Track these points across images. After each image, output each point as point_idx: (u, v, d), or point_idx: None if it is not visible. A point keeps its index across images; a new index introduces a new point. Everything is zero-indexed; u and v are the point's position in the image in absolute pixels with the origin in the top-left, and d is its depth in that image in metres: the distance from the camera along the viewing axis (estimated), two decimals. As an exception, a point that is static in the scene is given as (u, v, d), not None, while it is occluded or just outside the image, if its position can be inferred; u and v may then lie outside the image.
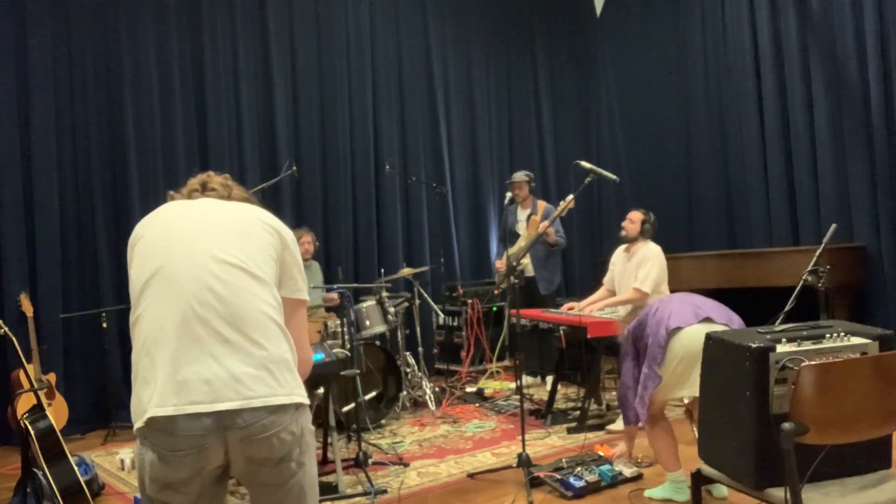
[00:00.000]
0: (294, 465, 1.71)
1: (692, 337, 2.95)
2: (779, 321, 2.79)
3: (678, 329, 2.99)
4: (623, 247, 4.83)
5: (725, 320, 3.02)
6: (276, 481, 1.70)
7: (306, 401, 1.74)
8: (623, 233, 4.80)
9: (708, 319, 3.00)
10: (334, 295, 5.06)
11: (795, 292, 3.22)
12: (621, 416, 4.48)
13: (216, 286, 1.68)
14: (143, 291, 1.69)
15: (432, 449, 4.27)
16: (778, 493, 2.03)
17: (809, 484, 2.02)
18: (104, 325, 5.12)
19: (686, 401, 3.76)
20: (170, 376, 1.60)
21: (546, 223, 4.97)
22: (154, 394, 1.59)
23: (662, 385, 3.03)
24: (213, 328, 1.64)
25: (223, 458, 1.66)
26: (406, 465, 3.95)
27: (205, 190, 1.90)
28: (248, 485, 1.73)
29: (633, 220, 4.78)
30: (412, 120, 7.06)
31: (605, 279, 4.99)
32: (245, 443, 1.63)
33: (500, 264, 6.01)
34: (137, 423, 1.62)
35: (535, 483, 3.46)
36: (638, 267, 4.65)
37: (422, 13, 7.16)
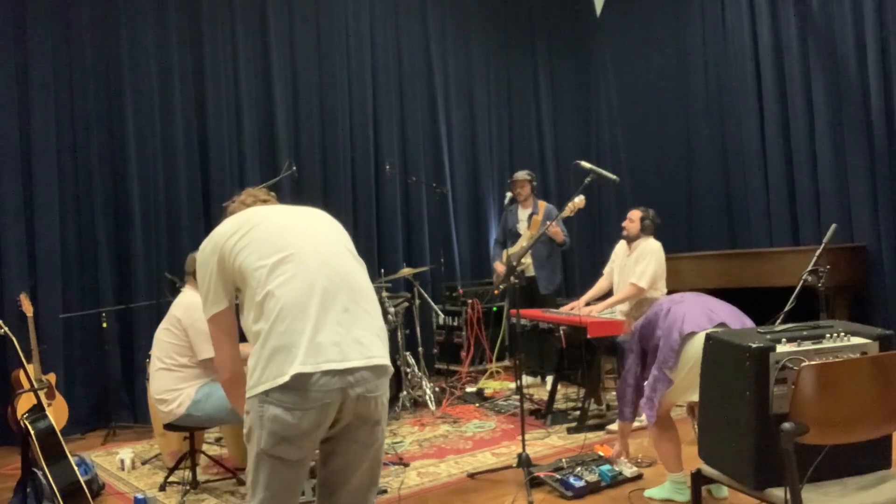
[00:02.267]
0: (381, 431, 1.99)
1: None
2: (779, 321, 2.79)
3: (692, 334, 2.93)
4: (626, 242, 4.89)
5: (739, 325, 2.95)
6: (368, 441, 1.96)
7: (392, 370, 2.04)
8: (625, 233, 4.86)
9: (722, 325, 2.93)
10: None
11: (795, 292, 3.22)
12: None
13: (337, 266, 2.00)
14: (272, 272, 1.94)
15: (432, 449, 4.27)
16: (778, 493, 2.03)
17: (809, 484, 2.02)
18: (104, 325, 5.12)
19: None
20: (309, 341, 1.86)
21: (554, 224, 4.97)
22: (297, 356, 1.85)
23: (673, 388, 3.01)
24: (339, 301, 1.94)
25: (334, 418, 1.89)
26: (406, 465, 3.95)
27: (264, 202, 2.30)
28: (342, 441, 1.96)
29: (633, 219, 4.83)
30: (412, 120, 7.06)
31: (606, 269, 5.05)
32: (360, 400, 1.89)
33: (500, 266, 6.01)
34: (268, 384, 1.84)
35: (535, 483, 3.46)
36: (636, 262, 4.68)
37: (422, 13, 7.17)
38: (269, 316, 1.90)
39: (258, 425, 1.85)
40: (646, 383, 3.12)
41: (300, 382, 1.82)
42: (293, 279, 1.93)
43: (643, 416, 4.46)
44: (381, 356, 1.95)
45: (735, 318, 2.98)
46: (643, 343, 3.17)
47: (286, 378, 1.82)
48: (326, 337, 1.88)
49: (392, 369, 2.00)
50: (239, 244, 2.01)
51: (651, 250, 4.69)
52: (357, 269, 2.05)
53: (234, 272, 2.01)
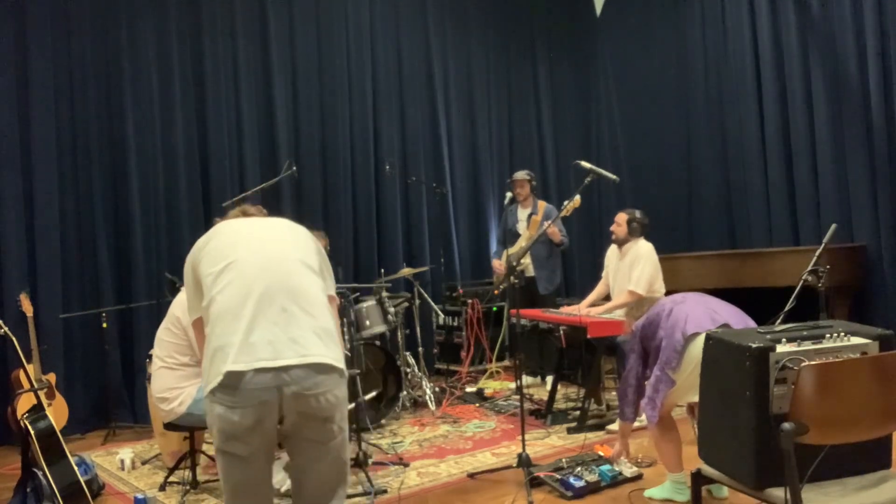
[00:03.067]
0: (336, 428, 2.05)
1: None
2: (779, 321, 2.79)
3: (696, 335, 2.92)
4: (617, 246, 4.90)
5: (742, 326, 2.93)
6: (320, 438, 2.03)
7: (346, 371, 2.12)
8: (613, 237, 4.88)
9: (725, 325, 2.92)
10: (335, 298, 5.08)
11: (795, 292, 3.22)
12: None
13: (278, 272, 2.11)
14: (216, 279, 2.10)
15: (432, 449, 4.27)
16: (778, 493, 2.03)
17: (809, 484, 2.02)
18: (104, 325, 5.12)
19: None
20: (242, 341, 1.98)
21: (552, 223, 4.98)
22: (230, 355, 1.96)
23: (676, 389, 3.01)
24: (276, 302, 2.05)
25: (278, 417, 1.99)
26: (406, 465, 3.95)
27: (246, 215, 2.46)
28: (294, 439, 2.05)
29: (620, 222, 4.84)
30: (412, 120, 7.05)
31: (603, 274, 5.08)
32: (298, 398, 1.97)
33: (497, 264, 6.01)
34: (212, 384, 1.97)
35: (535, 483, 3.46)
36: (631, 268, 4.69)
37: (422, 13, 7.16)
38: (211, 320, 2.06)
39: (211, 423, 2.00)
40: (647, 383, 3.12)
41: (233, 380, 1.94)
42: (231, 285, 2.08)
43: (643, 416, 4.49)
44: (320, 354, 2.02)
45: (738, 319, 2.97)
46: (644, 343, 3.16)
47: (221, 377, 1.95)
48: (260, 336, 1.99)
49: (338, 366, 2.06)
50: (201, 254, 2.20)
51: (643, 254, 4.69)
52: (303, 275, 2.15)
53: (197, 280, 2.20)
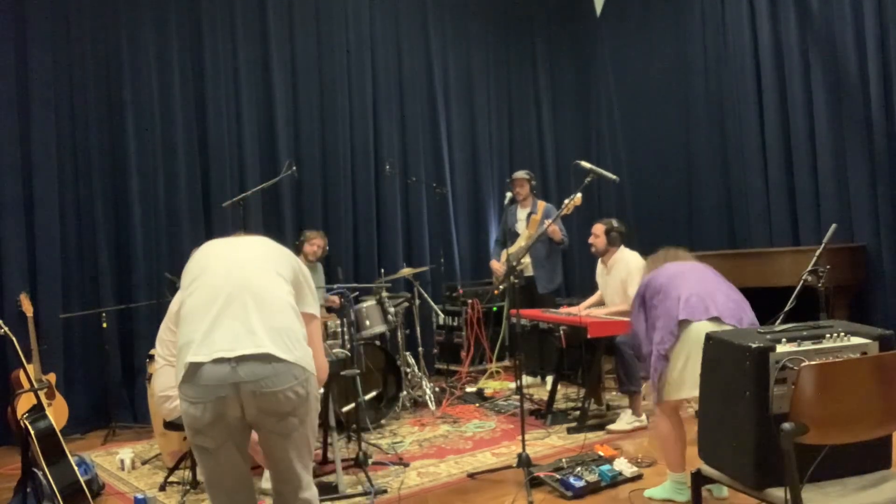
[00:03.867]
0: (297, 421, 2.16)
1: (700, 334, 2.94)
2: (779, 321, 2.79)
3: (687, 322, 2.94)
4: (600, 259, 4.92)
5: (735, 321, 2.93)
6: (281, 431, 2.14)
7: (313, 369, 2.21)
8: (592, 249, 4.87)
9: (717, 319, 2.93)
10: (335, 298, 5.09)
11: (795, 292, 3.23)
12: (622, 415, 4.51)
13: (245, 279, 2.23)
14: (188, 287, 2.27)
15: (432, 449, 4.27)
16: (778, 493, 2.03)
17: (809, 484, 2.02)
18: (104, 325, 5.12)
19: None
20: (204, 336, 2.12)
21: (552, 222, 4.98)
22: (192, 348, 2.10)
23: (673, 381, 3.02)
24: (240, 303, 2.17)
25: (240, 411, 2.10)
26: (406, 465, 3.95)
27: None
28: (261, 431, 2.17)
29: (597, 233, 4.82)
30: (412, 120, 7.05)
31: (598, 292, 5.11)
32: (256, 396, 2.07)
33: (495, 265, 6.01)
34: (178, 378, 2.12)
35: (535, 483, 3.46)
36: (625, 283, 4.66)
37: (422, 13, 7.16)
38: (181, 322, 2.22)
39: (182, 420, 2.15)
40: (650, 364, 3.12)
41: (193, 371, 2.08)
42: (199, 290, 2.24)
43: (643, 416, 4.50)
44: (274, 349, 2.11)
45: (733, 313, 2.96)
46: (646, 301, 3.16)
47: (183, 371, 2.10)
48: (221, 331, 2.12)
49: (298, 363, 2.14)
50: (185, 270, 2.39)
51: (631, 267, 4.65)
52: (269, 280, 2.26)
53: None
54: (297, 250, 5.49)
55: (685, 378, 2.98)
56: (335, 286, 4.24)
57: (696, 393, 3.03)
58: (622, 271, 4.70)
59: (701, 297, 2.98)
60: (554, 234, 5.65)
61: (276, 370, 2.10)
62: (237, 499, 2.20)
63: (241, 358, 2.08)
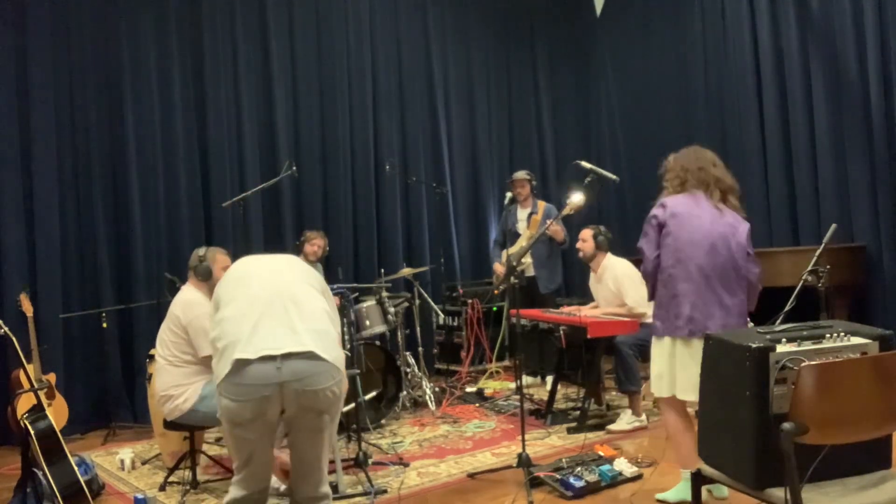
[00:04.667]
0: (328, 419, 2.35)
1: (688, 349, 3.04)
2: (779, 321, 2.79)
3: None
4: (591, 267, 4.96)
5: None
6: (315, 428, 2.33)
7: (344, 371, 2.41)
8: (580, 254, 4.90)
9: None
10: (335, 298, 5.08)
11: (795, 292, 3.22)
12: (622, 415, 4.51)
13: (281, 285, 2.43)
14: (230, 300, 2.42)
15: (432, 449, 4.27)
16: (778, 493, 2.03)
17: (809, 484, 2.02)
18: (104, 325, 5.12)
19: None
20: (249, 335, 2.28)
21: (554, 221, 4.98)
22: (237, 347, 2.25)
23: (654, 379, 3.15)
24: (281, 307, 2.35)
25: (279, 410, 2.26)
26: (406, 465, 3.95)
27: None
28: (293, 427, 2.36)
29: (585, 238, 4.88)
30: (412, 120, 7.05)
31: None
32: (300, 394, 2.24)
33: (499, 267, 6.01)
34: (221, 375, 2.26)
35: (535, 483, 3.46)
36: (614, 293, 4.73)
37: (422, 13, 7.16)
38: (220, 327, 2.37)
39: (220, 413, 2.32)
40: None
41: (239, 368, 2.22)
42: (238, 299, 2.41)
43: (643, 416, 4.50)
44: (316, 347, 2.28)
45: (724, 325, 3.02)
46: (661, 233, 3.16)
47: (229, 367, 2.23)
48: (265, 331, 2.29)
49: (337, 364, 2.32)
50: (220, 285, 2.57)
51: (619, 274, 4.69)
52: (305, 290, 2.46)
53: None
54: (298, 250, 5.49)
55: (686, 380, 3.00)
56: (335, 286, 4.23)
57: (679, 395, 3.06)
58: (610, 280, 4.76)
59: (703, 313, 3.01)
60: (556, 234, 5.65)
61: (318, 368, 2.26)
62: (259, 476, 2.39)
63: (287, 356, 2.23)
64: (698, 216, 3.09)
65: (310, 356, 2.26)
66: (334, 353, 2.32)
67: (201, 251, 3.78)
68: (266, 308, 2.34)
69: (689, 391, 3.00)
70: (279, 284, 2.43)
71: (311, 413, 2.28)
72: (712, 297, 3.02)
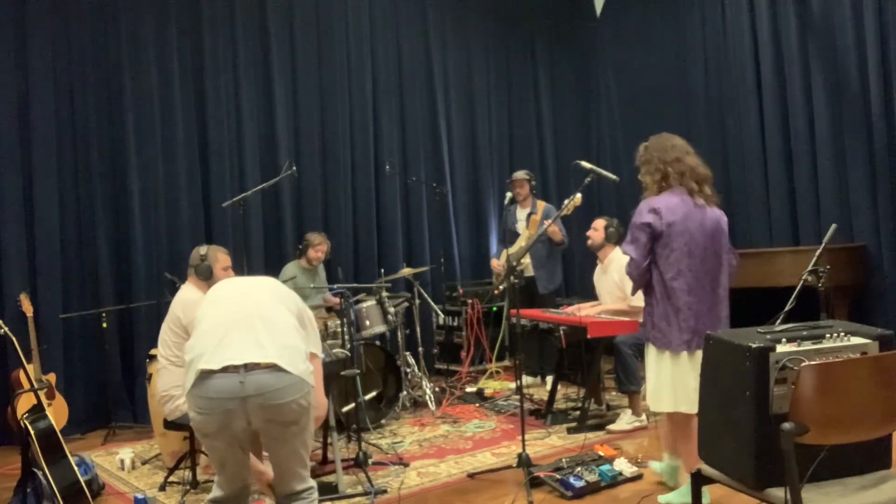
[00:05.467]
0: (297, 429, 2.39)
1: (683, 362, 3.05)
2: (779, 321, 2.79)
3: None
4: (598, 259, 4.94)
5: None
6: (284, 438, 2.38)
7: (313, 383, 2.43)
8: (589, 242, 4.91)
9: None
10: (335, 299, 5.09)
11: (795, 292, 3.22)
12: (622, 415, 4.51)
13: (251, 305, 2.50)
14: (202, 319, 2.51)
15: (432, 449, 4.27)
16: (778, 493, 2.03)
17: (809, 484, 2.02)
18: (104, 325, 5.12)
19: None
20: (215, 348, 2.34)
21: (552, 222, 4.98)
22: (203, 358, 2.32)
23: (650, 392, 3.14)
24: (249, 323, 2.42)
25: (246, 422, 2.32)
26: (406, 465, 3.95)
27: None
28: (263, 437, 2.42)
29: (597, 227, 4.88)
30: (412, 120, 7.05)
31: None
32: (264, 408, 2.29)
33: (495, 263, 6.01)
34: (188, 385, 2.34)
35: (535, 483, 3.46)
36: (617, 284, 4.71)
37: (422, 12, 7.16)
38: (192, 342, 2.45)
39: (191, 422, 2.40)
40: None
41: (203, 379, 2.29)
42: (211, 316, 2.49)
43: (643, 416, 4.50)
44: (280, 360, 2.32)
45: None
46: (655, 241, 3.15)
47: (194, 378, 2.31)
48: (230, 344, 2.35)
49: (303, 377, 2.35)
50: (201, 308, 2.63)
51: (621, 269, 4.67)
52: (278, 311, 2.52)
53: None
54: (301, 254, 5.49)
55: (684, 393, 3.01)
56: (335, 286, 4.23)
57: (685, 409, 3.06)
58: (615, 272, 4.74)
59: (706, 324, 3.02)
60: (554, 234, 5.65)
61: (282, 382, 2.30)
62: (235, 478, 2.46)
63: (249, 366, 2.28)
64: (691, 220, 3.07)
65: (274, 368, 2.30)
66: (300, 367, 2.37)
67: (203, 250, 3.77)
68: (234, 324, 2.41)
69: (680, 403, 3.04)
70: (250, 303, 2.50)
71: (278, 426, 2.34)
72: (713, 304, 3.06)
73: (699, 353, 2.95)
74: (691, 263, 3.04)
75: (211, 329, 2.41)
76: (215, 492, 2.50)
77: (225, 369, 2.27)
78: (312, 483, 2.52)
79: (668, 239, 3.06)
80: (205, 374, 2.28)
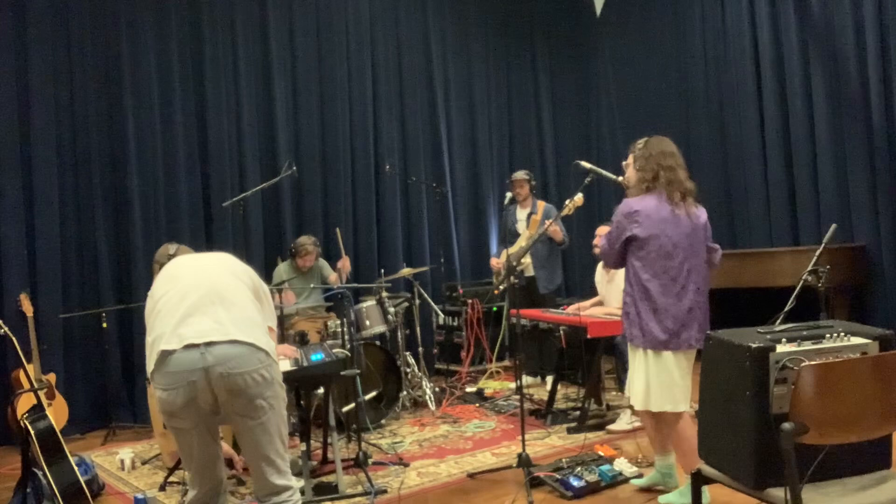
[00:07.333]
0: (265, 404, 2.36)
1: (670, 362, 3.06)
2: (779, 321, 2.79)
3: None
4: (602, 264, 4.89)
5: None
6: (250, 414, 2.35)
7: (275, 354, 2.47)
8: (596, 250, 4.85)
9: None
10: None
11: (795, 292, 3.22)
12: (622, 415, 4.51)
13: (210, 282, 2.49)
14: (160, 296, 2.49)
15: (432, 449, 4.27)
16: (778, 493, 2.03)
17: (809, 484, 2.02)
18: (104, 325, 5.12)
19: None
20: (174, 328, 2.36)
21: (553, 222, 4.98)
22: (163, 339, 2.34)
23: (635, 394, 3.15)
24: (208, 301, 2.42)
25: (211, 397, 2.32)
26: (406, 465, 3.95)
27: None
28: (230, 416, 2.38)
29: (601, 235, 4.81)
30: (412, 120, 7.05)
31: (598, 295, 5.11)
32: (225, 377, 2.28)
33: (495, 262, 6.01)
34: (150, 368, 2.35)
35: (535, 483, 3.46)
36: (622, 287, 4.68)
37: (422, 13, 7.16)
38: (152, 322, 2.46)
39: (156, 407, 2.43)
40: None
41: (164, 359, 2.31)
42: (169, 293, 2.48)
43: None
44: (241, 334, 2.35)
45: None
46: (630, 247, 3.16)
47: (156, 359, 2.32)
48: (190, 323, 2.36)
49: (262, 346, 2.37)
50: (155, 283, 2.64)
51: None
52: (235, 286, 2.53)
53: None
54: (292, 256, 5.37)
55: (680, 391, 3.01)
56: (335, 287, 4.25)
57: (654, 407, 3.06)
58: (623, 281, 4.70)
59: (683, 325, 3.04)
60: (555, 234, 5.65)
61: (242, 352, 2.32)
62: (205, 472, 2.45)
63: (210, 343, 2.29)
64: (668, 223, 3.08)
65: (233, 343, 2.32)
66: (262, 340, 2.39)
67: (171, 249, 3.69)
68: (194, 302, 2.41)
69: (664, 402, 3.03)
70: (207, 280, 2.50)
71: (243, 398, 2.32)
72: (692, 305, 3.06)
73: (681, 353, 3.02)
74: (667, 265, 3.05)
75: (170, 309, 2.41)
76: (190, 492, 2.50)
77: (186, 347, 2.29)
78: (293, 483, 2.47)
79: (643, 241, 3.08)
80: (166, 354, 2.30)
